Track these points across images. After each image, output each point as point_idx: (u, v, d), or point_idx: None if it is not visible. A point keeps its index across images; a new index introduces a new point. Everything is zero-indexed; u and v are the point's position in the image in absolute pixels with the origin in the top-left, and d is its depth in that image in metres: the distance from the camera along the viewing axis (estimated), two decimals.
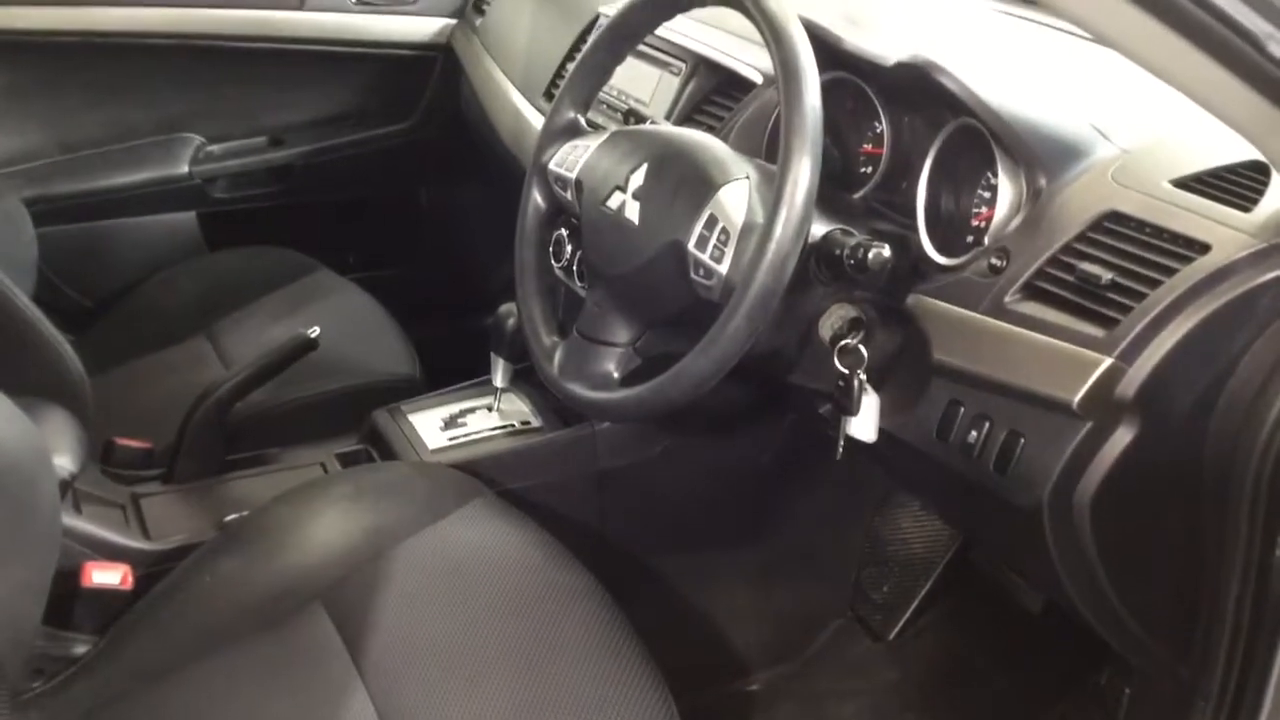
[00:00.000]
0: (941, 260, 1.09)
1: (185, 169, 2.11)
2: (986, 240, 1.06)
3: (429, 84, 2.27)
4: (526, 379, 1.55)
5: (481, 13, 2.12)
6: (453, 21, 2.21)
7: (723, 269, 0.99)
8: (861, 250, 0.99)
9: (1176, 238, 0.94)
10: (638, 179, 1.09)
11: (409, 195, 2.46)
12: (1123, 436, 0.93)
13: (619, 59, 1.21)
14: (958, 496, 1.19)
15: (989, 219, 1.07)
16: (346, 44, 2.15)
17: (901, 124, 1.22)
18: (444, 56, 2.23)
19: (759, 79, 1.38)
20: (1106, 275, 0.93)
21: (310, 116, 2.23)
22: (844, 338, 1.06)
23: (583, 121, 1.24)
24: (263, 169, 2.19)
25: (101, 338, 1.79)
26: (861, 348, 1.06)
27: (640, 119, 1.46)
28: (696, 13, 1.16)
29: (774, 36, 0.98)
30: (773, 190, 0.94)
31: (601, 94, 1.29)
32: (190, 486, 1.43)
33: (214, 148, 2.14)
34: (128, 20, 1.95)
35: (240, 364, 1.50)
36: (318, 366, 1.55)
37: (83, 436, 1.23)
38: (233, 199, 2.18)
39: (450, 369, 1.65)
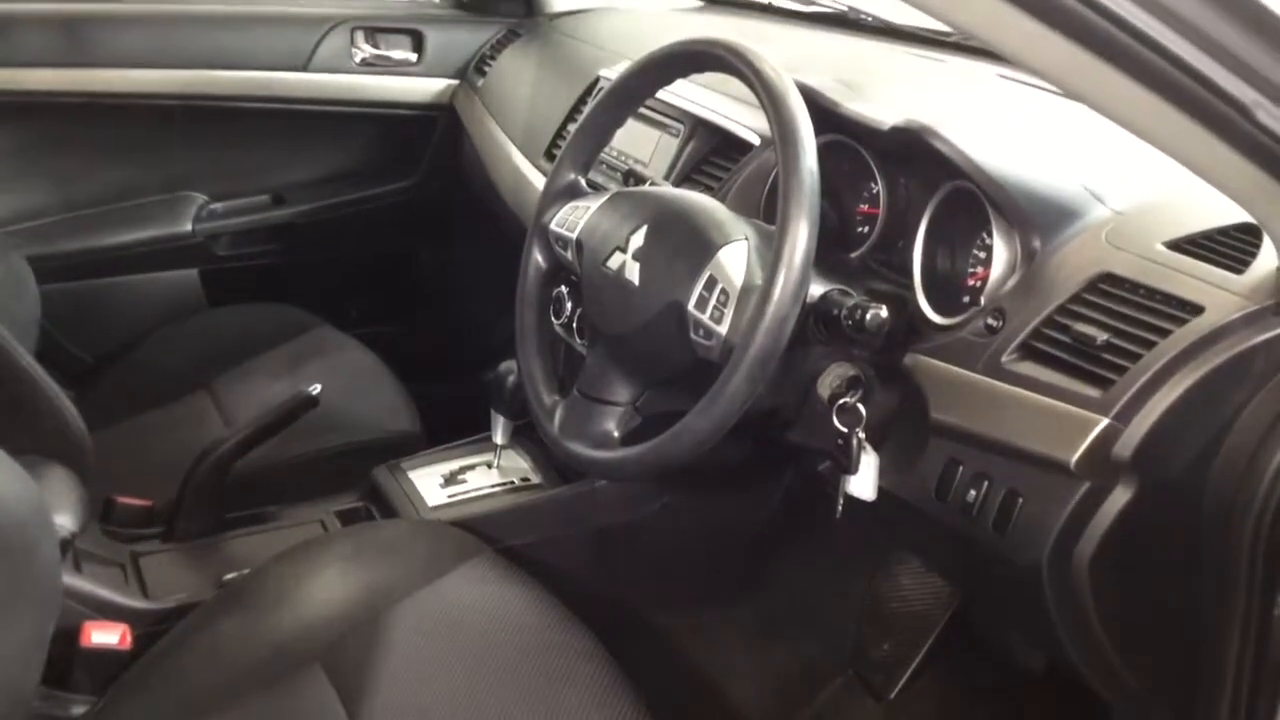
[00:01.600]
0: (938, 320, 1.10)
1: (188, 227, 2.13)
2: (982, 300, 1.08)
3: (430, 143, 2.30)
4: (526, 436, 1.55)
5: (483, 74, 2.15)
6: (455, 82, 2.25)
7: (722, 329, 1.00)
8: (859, 311, 1.00)
9: (1170, 299, 0.95)
10: (638, 240, 1.10)
11: (410, 252, 2.47)
12: (1120, 496, 0.93)
13: (619, 122, 1.24)
14: (957, 555, 1.19)
15: (984, 279, 1.08)
16: (350, 104, 2.18)
17: (897, 185, 1.24)
18: (445, 116, 2.26)
19: (756, 140, 1.40)
20: (1101, 336, 0.94)
21: (313, 175, 2.26)
22: (842, 396, 1.07)
23: (583, 183, 1.25)
24: (265, 227, 2.21)
25: (103, 394, 1.80)
26: (860, 406, 1.06)
27: (640, 179, 1.48)
28: (695, 76, 1.18)
29: (772, 103, 1.00)
30: (771, 251, 0.96)
31: (601, 154, 1.30)
32: (190, 545, 1.43)
33: (217, 206, 2.16)
34: (133, 82, 1.99)
35: (242, 421, 1.51)
36: (318, 423, 1.55)
37: (83, 495, 1.23)
38: (235, 256, 2.20)
39: (451, 425, 1.65)
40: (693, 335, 1.04)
